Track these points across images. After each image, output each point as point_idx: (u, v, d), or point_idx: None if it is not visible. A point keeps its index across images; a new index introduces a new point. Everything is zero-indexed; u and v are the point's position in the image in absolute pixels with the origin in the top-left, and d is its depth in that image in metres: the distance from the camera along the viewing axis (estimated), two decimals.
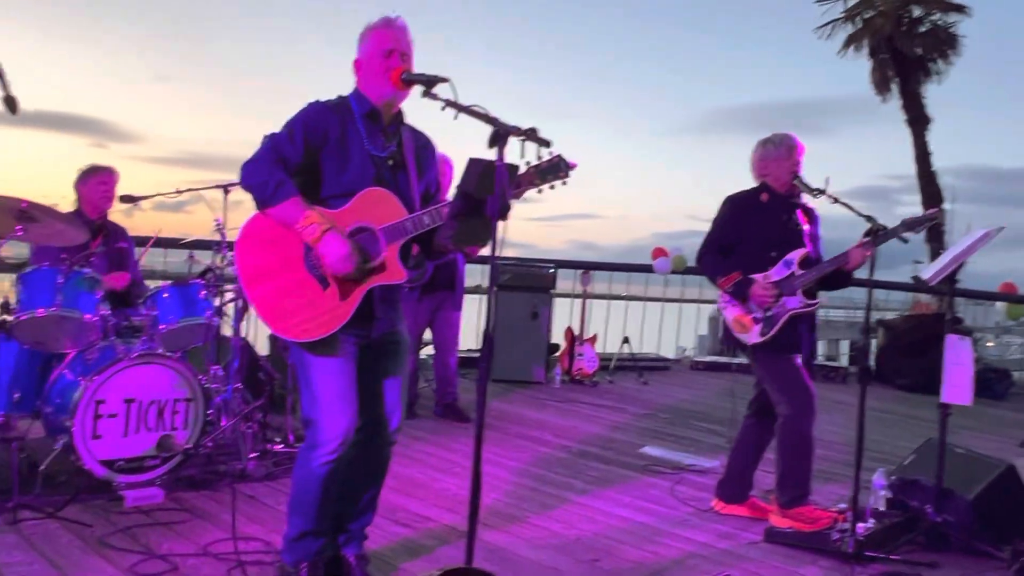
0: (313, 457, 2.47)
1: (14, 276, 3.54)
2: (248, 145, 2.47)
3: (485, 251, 2.15)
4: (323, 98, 2.51)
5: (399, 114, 2.57)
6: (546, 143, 2.04)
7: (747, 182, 3.74)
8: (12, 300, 3.48)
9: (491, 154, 2.04)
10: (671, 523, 3.59)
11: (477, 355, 7.68)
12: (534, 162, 2.27)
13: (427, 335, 5.66)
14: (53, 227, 3.45)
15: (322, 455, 2.45)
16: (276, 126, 2.44)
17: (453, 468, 4.23)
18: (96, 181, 4.32)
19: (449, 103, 2.18)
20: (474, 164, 2.09)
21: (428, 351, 5.89)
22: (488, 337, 2.03)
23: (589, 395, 6.76)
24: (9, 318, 3.42)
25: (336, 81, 2.64)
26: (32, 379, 3.53)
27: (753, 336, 3.53)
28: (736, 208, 3.64)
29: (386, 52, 2.44)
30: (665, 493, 4.05)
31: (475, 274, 8.38)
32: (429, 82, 2.28)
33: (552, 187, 2.34)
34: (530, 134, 2.01)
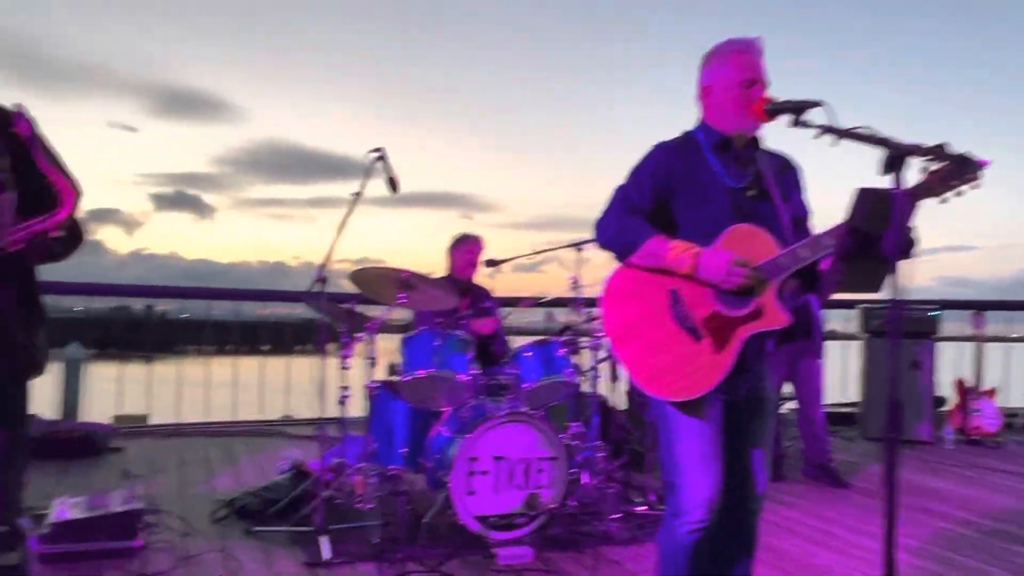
0: (677, 525, 2.27)
1: (400, 339, 3.88)
2: (594, 207, 2.38)
3: (866, 295, 1.81)
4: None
5: (754, 139, 2.33)
6: (960, 159, 1.66)
7: None
8: (398, 362, 3.81)
9: (884, 181, 1.71)
10: None
11: (845, 410, 6.94)
12: (933, 167, 1.86)
13: (787, 388, 5.21)
14: (429, 293, 3.73)
15: (687, 523, 2.24)
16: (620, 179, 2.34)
17: (830, 540, 3.74)
18: (464, 248, 4.72)
19: (826, 129, 1.89)
20: (864, 195, 1.77)
21: (791, 405, 5.41)
22: (895, 403, 1.68)
23: (993, 458, 5.69)
24: (397, 379, 3.74)
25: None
26: (416, 436, 3.81)
27: None
28: None
29: (746, 82, 2.20)
30: None
31: (836, 318, 7.64)
32: (799, 108, 2.01)
33: (959, 194, 1.89)
34: (939, 152, 1.65)
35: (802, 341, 4.86)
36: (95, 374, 7.36)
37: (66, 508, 3.28)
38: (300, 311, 7.21)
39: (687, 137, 2.35)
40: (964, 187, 1.85)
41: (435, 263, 4.85)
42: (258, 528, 3.60)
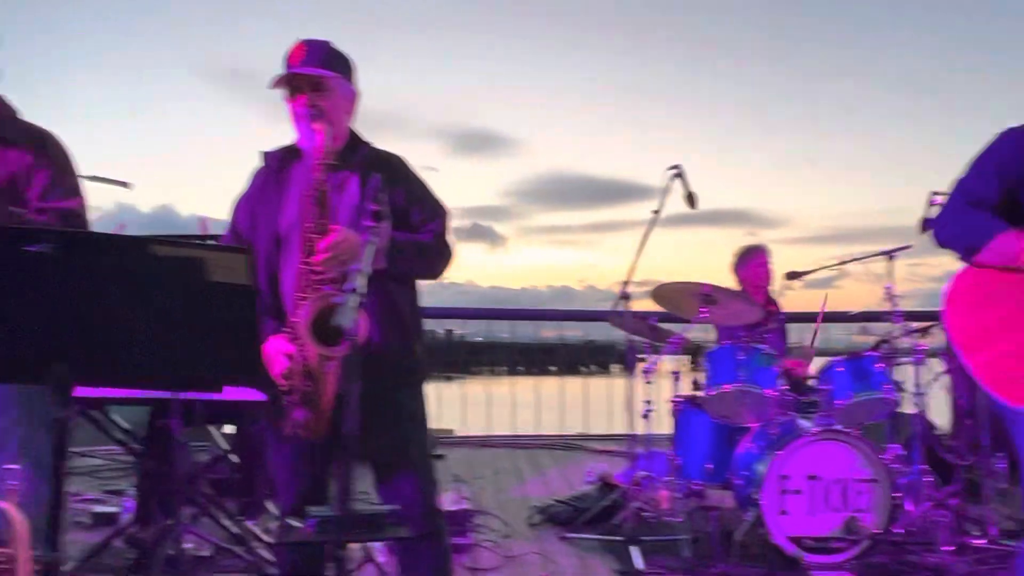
0: None
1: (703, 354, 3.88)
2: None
3: None
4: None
5: None
6: None
7: None
8: (701, 377, 3.81)
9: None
10: None
11: None
12: None
13: None
14: (731, 307, 3.70)
15: None
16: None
17: None
18: (755, 263, 4.42)
19: None
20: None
21: None
22: None
23: None
24: (701, 394, 3.74)
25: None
26: (721, 451, 3.77)
27: None
28: None
29: None
30: None
31: None
32: None
33: None
34: None
35: None
36: None
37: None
38: (583, 333, 7.52)
39: None
40: None
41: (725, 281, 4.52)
42: (571, 534, 3.78)
